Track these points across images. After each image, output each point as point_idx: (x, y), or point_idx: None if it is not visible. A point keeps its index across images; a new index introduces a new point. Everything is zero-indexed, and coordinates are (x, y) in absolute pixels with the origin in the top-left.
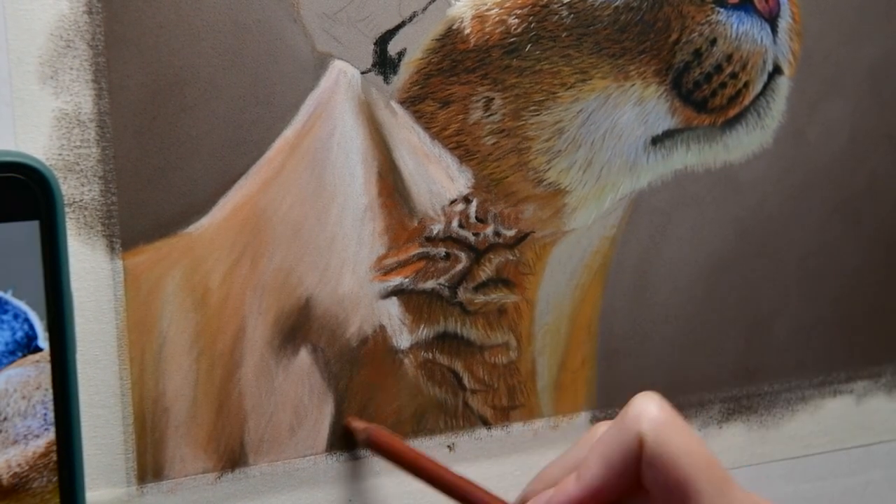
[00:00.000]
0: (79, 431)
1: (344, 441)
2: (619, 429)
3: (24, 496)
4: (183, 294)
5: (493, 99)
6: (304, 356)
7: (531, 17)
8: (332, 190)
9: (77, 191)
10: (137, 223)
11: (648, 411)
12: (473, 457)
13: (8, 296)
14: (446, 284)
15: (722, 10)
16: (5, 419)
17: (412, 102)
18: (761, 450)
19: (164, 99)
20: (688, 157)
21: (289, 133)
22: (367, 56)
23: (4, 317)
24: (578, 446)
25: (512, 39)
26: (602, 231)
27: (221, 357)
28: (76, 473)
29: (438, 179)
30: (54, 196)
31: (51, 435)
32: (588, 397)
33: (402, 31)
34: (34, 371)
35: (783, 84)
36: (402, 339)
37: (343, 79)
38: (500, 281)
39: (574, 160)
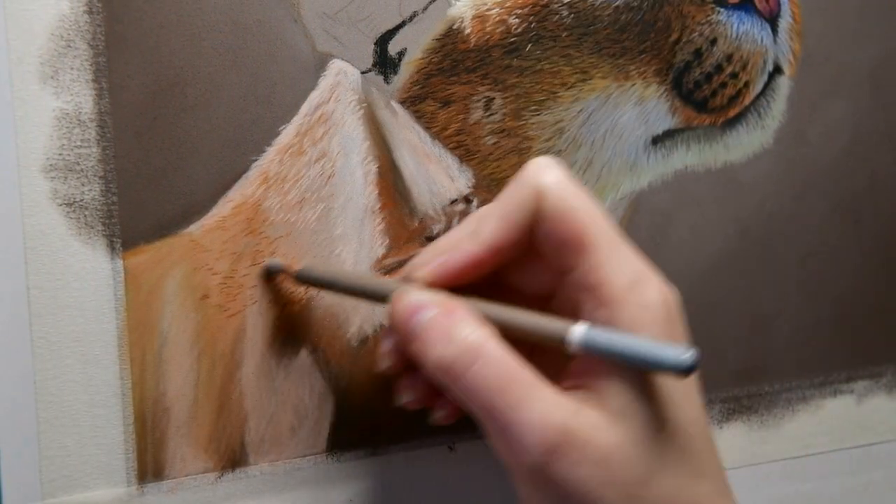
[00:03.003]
0: None
1: (267, 281)
2: (517, 185)
3: None
4: (183, 294)
5: (493, 99)
6: (304, 356)
7: (532, 17)
8: (332, 190)
9: (77, 191)
10: (138, 223)
11: (548, 168)
12: (474, 457)
13: None
14: None
15: (722, 9)
16: None
17: (412, 102)
18: (761, 450)
19: (165, 99)
20: (688, 157)
21: (289, 133)
22: (368, 56)
23: None
24: (462, 224)
25: (512, 39)
26: None
27: (222, 357)
28: None
29: (439, 179)
30: None
31: None
32: None
33: (402, 31)
34: None
35: (784, 84)
36: None
37: (343, 79)
38: None
39: (575, 160)
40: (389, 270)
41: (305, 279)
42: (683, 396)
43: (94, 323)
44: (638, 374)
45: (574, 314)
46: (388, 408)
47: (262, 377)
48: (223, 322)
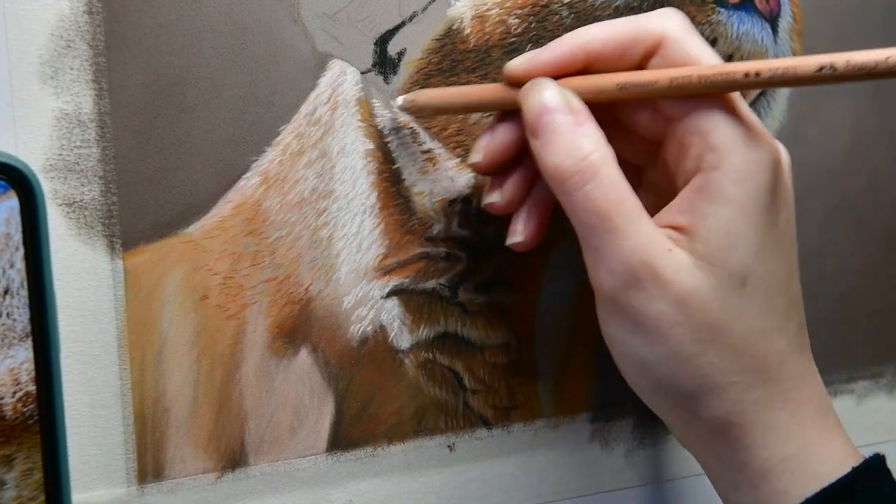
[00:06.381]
0: (63, 434)
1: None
2: (637, 17)
3: None
4: (183, 294)
5: None
6: (304, 356)
7: (531, 18)
8: (331, 190)
9: (77, 191)
10: (138, 223)
11: (674, 15)
12: (474, 457)
13: None
14: (447, 284)
15: (722, 10)
16: None
17: None
18: None
19: (165, 99)
20: None
21: (289, 133)
22: (368, 56)
23: None
24: None
25: (512, 39)
26: None
27: (222, 357)
28: (61, 475)
29: (439, 179)
30: (36, 198)
31: None
32: (588, 397)
33: (402, 31)
34: None
35: None
36: (403, 339)
37: (343, 79)
38: (501, 281)
39: None
40: (390, 271)
41: (416, 109)
42: (774, 254)
43: (93, 323)
44: (735, 217)
45: (681, 157)
46: (388, 408)
47: (262, 377)
48: (223, 322)
